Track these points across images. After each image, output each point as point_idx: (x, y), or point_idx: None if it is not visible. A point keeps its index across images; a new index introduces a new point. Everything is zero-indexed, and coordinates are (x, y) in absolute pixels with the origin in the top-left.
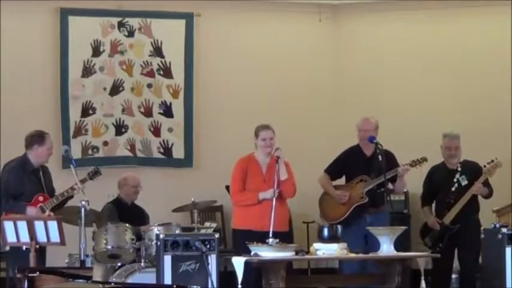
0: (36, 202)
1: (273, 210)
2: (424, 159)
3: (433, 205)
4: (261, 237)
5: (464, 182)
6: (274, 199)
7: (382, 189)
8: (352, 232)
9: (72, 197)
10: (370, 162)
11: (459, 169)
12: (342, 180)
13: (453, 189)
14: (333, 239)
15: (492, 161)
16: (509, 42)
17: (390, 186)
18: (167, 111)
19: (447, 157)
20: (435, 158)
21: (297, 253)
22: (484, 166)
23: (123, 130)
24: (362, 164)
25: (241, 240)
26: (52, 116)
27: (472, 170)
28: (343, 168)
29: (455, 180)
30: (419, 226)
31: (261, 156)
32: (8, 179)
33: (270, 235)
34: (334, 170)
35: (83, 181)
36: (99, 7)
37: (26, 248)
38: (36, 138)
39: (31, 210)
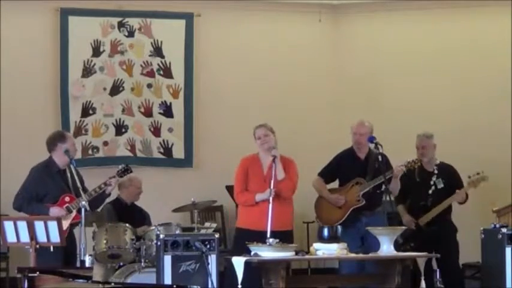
0: (63, 203)
1: (270, 210)
2: (419, 160)
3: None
4: (262, 237)
5: (440, 185)
6: (271, 199)
7: (382, 189)
8: (349, 234)
9: (108, 194)
10: (365, 165)
11: (435, 171)
12: (335, 184)
13: (430, 192)
14: (333, 239)
15: (478, 173)
16: (509, 42)
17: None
18: (167, 111)
19: (418, 156)
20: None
21: (297, 253)
22: (469, 177)
23: (123, 130)
24: (356, 167)
25: (243, 239)
26: (52, 116)
27: (448, 174)
28: (337, 171)
29: (431, 183)
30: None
31: (264, 156)
32: (30, 181)
33: (268, 235)
34: (328, 173)
35: (111, 178)
36: (99, 7)
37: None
38: (58, 138)
39: (54, 211)
